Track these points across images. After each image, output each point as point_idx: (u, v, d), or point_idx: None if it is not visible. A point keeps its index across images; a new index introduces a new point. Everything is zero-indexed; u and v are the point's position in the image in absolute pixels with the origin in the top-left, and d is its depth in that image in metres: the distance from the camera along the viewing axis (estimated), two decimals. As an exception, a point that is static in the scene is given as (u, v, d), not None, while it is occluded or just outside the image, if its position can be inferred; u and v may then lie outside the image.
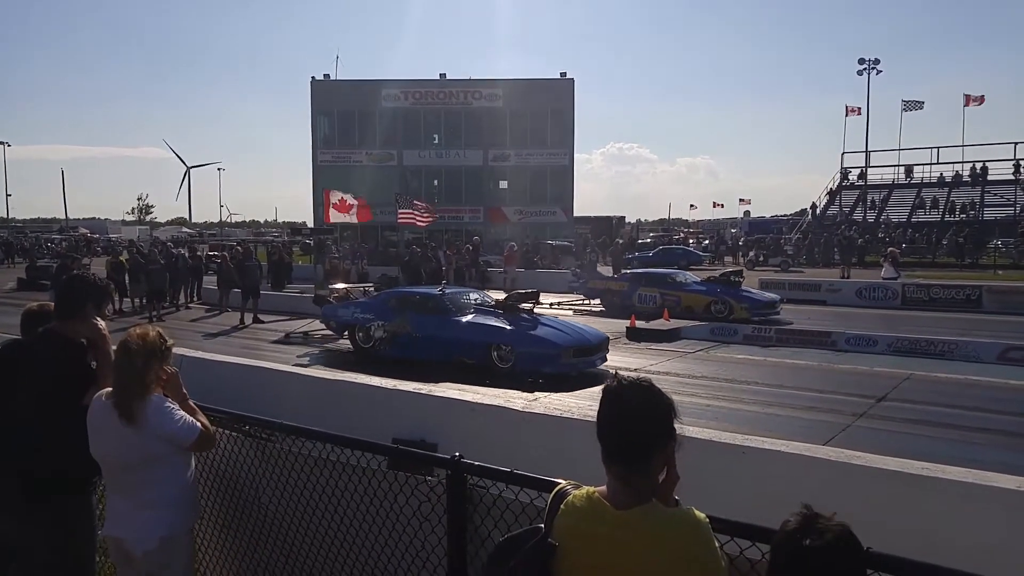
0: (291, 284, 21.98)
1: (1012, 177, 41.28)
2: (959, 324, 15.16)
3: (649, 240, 46.76)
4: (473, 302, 12.30)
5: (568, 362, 10.65)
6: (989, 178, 42.07)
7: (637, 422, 1.65)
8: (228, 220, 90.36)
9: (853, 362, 11.97)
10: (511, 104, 46.11)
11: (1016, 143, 42.27)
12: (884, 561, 1.68)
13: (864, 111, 46.29)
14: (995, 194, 40.22)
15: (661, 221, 71.10)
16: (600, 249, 38.29)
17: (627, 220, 56.68)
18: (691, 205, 79.19)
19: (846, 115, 48.51)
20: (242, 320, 16.88)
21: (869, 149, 46.56)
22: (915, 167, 45.28)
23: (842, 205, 44.08)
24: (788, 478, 3.89)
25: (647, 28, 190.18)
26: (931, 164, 44.76)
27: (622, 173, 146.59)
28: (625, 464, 1.65)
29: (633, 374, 1.80)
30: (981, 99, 46.46)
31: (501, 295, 13.50)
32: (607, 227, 45.71)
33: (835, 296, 20.29)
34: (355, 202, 21.41)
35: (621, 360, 11.73)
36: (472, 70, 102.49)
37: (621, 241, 36.15)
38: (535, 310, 12.35)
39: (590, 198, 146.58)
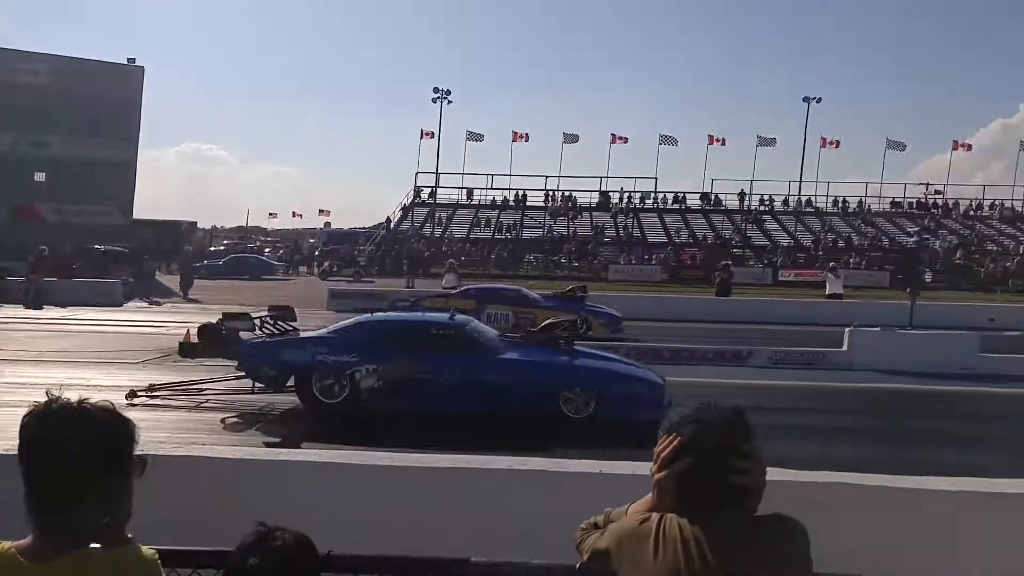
0: None
1: (543, 204, 49.58)
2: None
3: (222, 248, 43.99)
4: (490, 332, 9.49)
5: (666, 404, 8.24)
6: (528, 204, 49.80)
7: (66, 456, 1.34)
8: None
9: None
10: (61, 85, 38.83)
11: (547, 176, 51.19)
12: (343, 561, 1.73)
13: (437, 136, 51.23)
14: (531, 217, 47.72)
15: (239, 228, 67.47)
16: (164, 256, 34.63)
17: (199, 226, 52.55)
18: (270, 213, 77.12)
19: (421, 138, 53.01)
20: None
21: (439, 171, 51.50)
22: (475, 190, 51.31)
23: (413, 220, 47.55)
24: (335, 487, 3.75)
25: (241, 28, 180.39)
26: (487, 189, 51.31)
27: (198, 174, 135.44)
28: (48, 507, 1.36)
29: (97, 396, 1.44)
30: (526, 136, 54.98)
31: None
32: (174, 232, 41.52)
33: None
34: None
35: (168, 380, 10.21)
36: (13, 40, 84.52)
37: (190, 248, 33.19)
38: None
39: (158, 200, 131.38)
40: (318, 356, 8.77)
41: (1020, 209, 47.36)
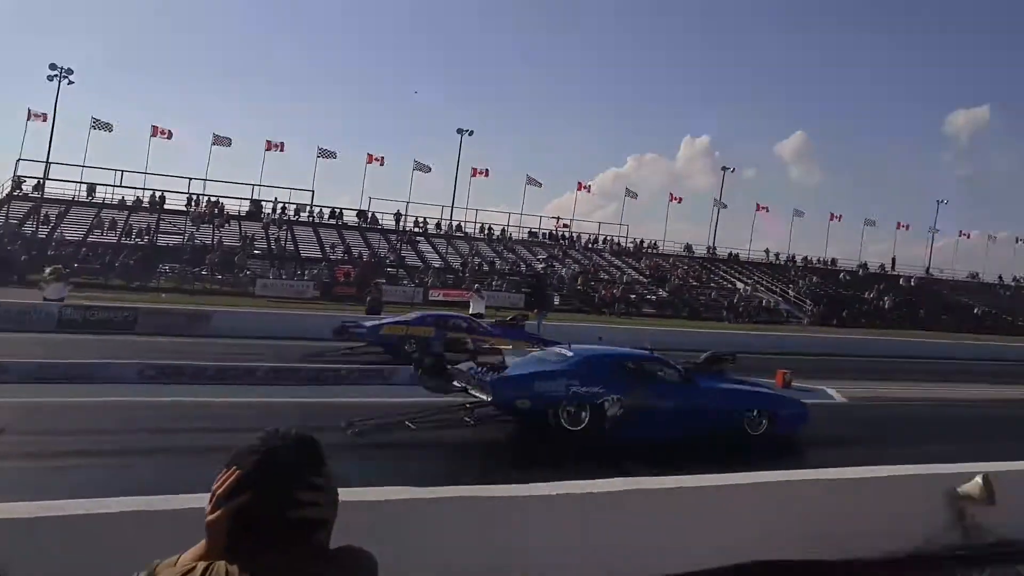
0: None
1: (185, 208, 44.70)
2: (111, 346, 14.69)
3: None
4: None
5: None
6: (166, 207, 44.41)
7: None
8: None
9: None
10: None
11: (191, 178, 46.27)
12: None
13: (51, 120, 42.96)
14: (169, 222, 42.59)
15: None
16: None
17: None
18: None
19: (28, 119, 44.23)
20: None
21: (50, 160, 43.26)
22: (98, 187, 44.22)
23: (10, 216, 39.12)
24: None
25: None
26: (114, 186, 44.58)
27: None
28: None
29: None
30: (169, 133, 49.21)
31: None
32: None
33: (-24, 319, 17.00)
34: None
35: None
36: None
37: None
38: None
39: None
40: (571, 387, 9.37)
41: (626, 244, 56.28)
